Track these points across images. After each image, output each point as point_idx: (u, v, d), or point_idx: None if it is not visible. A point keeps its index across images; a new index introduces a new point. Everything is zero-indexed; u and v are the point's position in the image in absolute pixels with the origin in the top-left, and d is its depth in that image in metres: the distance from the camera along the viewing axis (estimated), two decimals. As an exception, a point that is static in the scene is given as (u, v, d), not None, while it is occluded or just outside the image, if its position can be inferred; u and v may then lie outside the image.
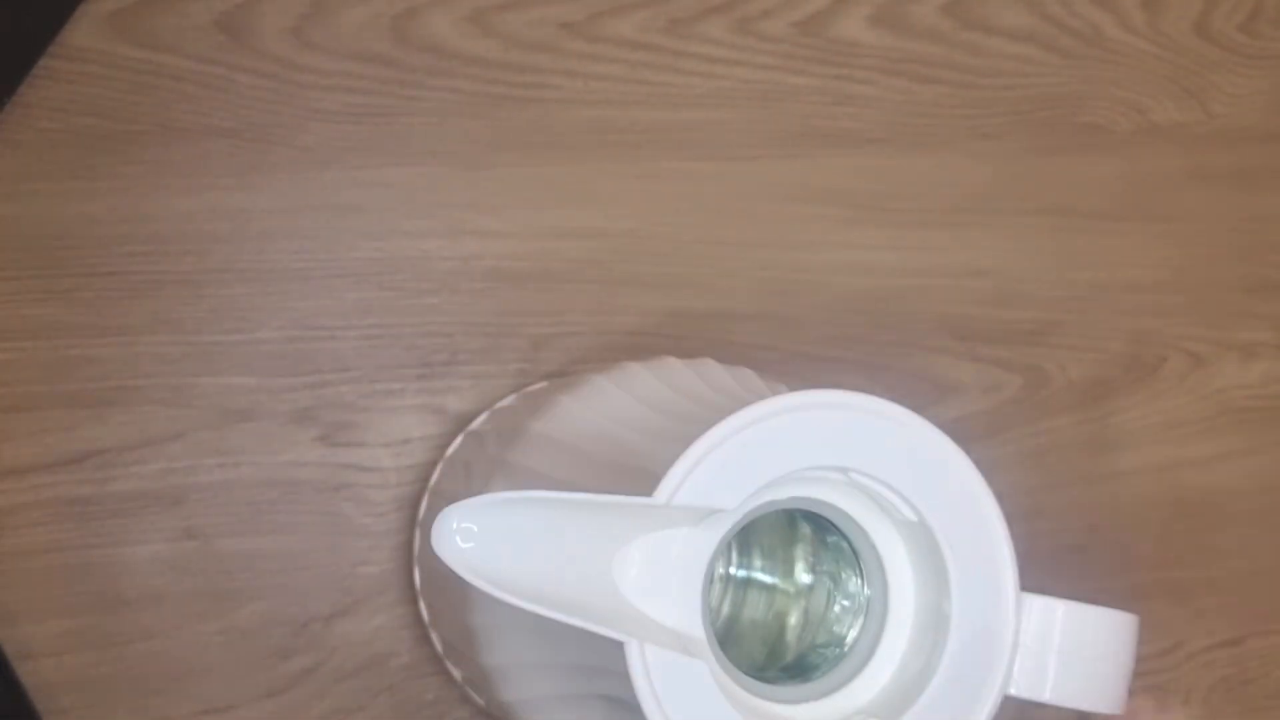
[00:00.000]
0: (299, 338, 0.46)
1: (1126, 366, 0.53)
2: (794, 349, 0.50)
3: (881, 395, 0.35)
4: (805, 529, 0.41)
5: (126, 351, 0.45)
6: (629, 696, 0.33)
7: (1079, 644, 0.36)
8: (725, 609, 0.43)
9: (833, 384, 0.35)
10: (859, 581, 0.38)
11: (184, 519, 0.45)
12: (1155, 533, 0.53)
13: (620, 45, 0.49)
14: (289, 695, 0.46)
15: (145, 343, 0.45)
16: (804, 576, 0.42)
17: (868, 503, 0.37)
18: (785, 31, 0.50)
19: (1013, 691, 0.36)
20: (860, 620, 0.38)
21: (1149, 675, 0.53)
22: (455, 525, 0.32)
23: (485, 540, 0.32)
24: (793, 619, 0.41)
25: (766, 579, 0.42)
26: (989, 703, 0.35)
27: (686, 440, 0.34)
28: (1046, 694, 0.36)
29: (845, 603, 0.39)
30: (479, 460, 0.44)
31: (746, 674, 0.37)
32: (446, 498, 0.44)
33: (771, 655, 0.41)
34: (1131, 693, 0.37)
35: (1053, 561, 0.50)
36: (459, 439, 0.46)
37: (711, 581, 0.39)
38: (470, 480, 0.44)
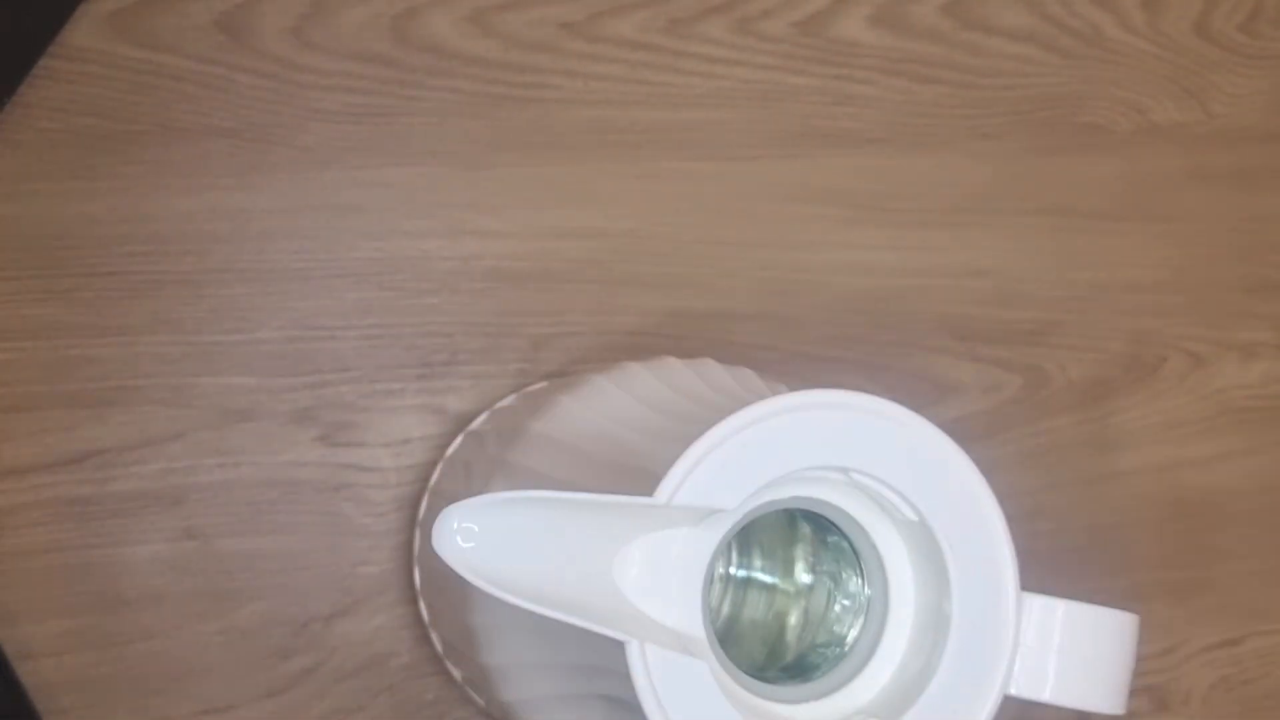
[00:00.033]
0: (299, 338, 0.46)
1: (1126, 366, 0.53)
2: (794, 349, 0.50)
3: (881, 395, 0.35)
4: (805, 529, 0.41)
5: (126, 351, 0.45)
6: (629, 696, 0.33)
7: (1079, 644, 0.36)
8: (725, 609, 0.43)
9: (833, 384, 0.35)
10: (859, 581, 0.38)
11: (184, 519, 0.45)
12: (1155, 533, 0.53)
13: (620, 45, 0.49)
14: (289, 695, 0.46)
15: (145, 343, 0.45)
16: (804, 576, 0.42)
17: (868, 503, 0.37)
18: (785, 31, 0.50)
19: (1013, 691, 0.36)
20: (860, 620, 0.38)
21: (1149, 675, 0.53)
22: (456, 525, 0.32)
23: (486, 540, 0.32)
24: (793, 619, 0.41)
25: (766, 579, 0.42)
26: (989, 703, 0.35)
27: (686, 440, 0.34)
28: (1046, 694, 0.36)
29: (845, 603, 0.39)
30: (479, 460, 0.44)
31: (746, 674, 0.37)
32: (446, 498, 0.44)
33: (771, 655, 0.41)
34: (1131, 692, 0.37)
35: (1053, 561, 0.50)
36: (459, 439, 0.46)
37: (711, 581, 0.39)
38: (470, 480, 0.44)
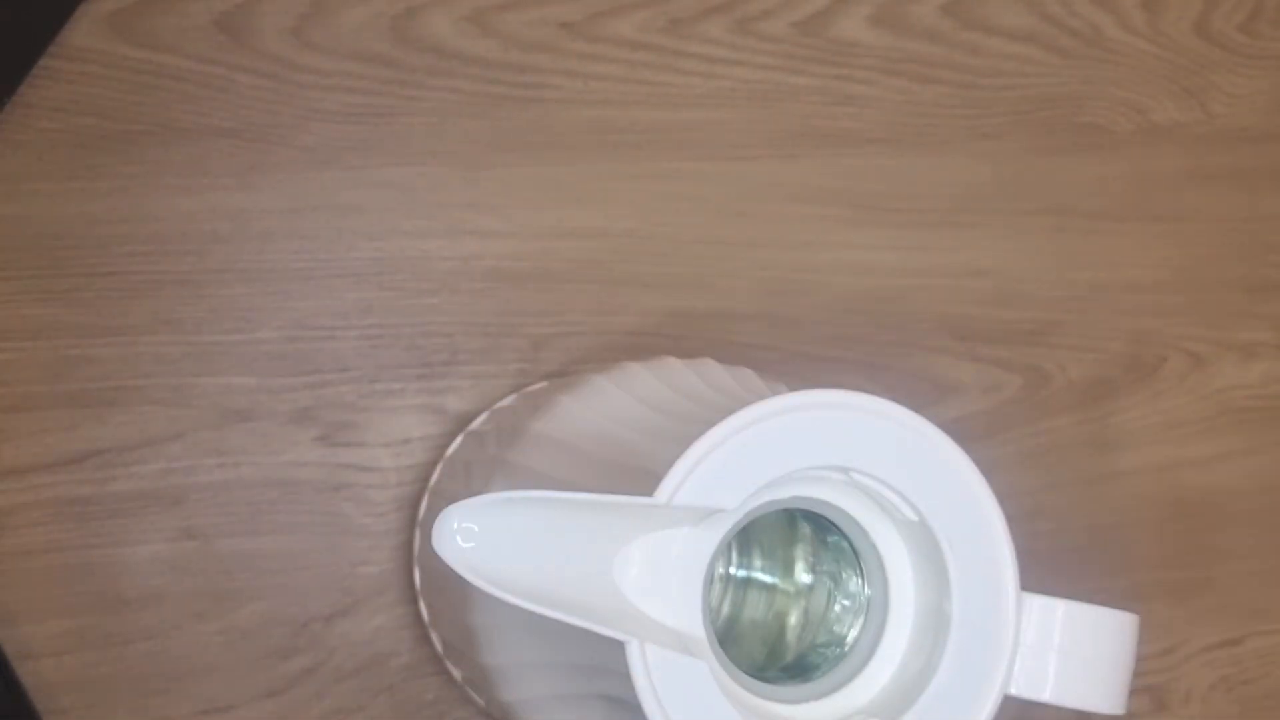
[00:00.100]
0: (299, 338, 0.46)
1: (1126, 366, 0.53)
2: (794, 349, 0.50)
3: (881, 395, 0.35)
4: (805, 529, 0.41)
5: (126, 351, 0.45)
6: (629, 696, 0.33)
7: (1079, 644, 0.36)
8: (725, 609, 0.43)
9: (833, 384, 0.35)
10: (859, 581, 0.38)
11: (184, 519, 0.45)
12: (1155, 533, 0.53)
13: (620, 45, 0.49)
14: (289, 695, 0.46)
15: (145, 343, 0.45)
16: (804, 576, 0.42)
17: (868, 502, 0.37)
18: (785, 31, 0.50)
19: (1013, 691, 0.36)
20: (860, 620, 0.38)
21: (1149, 675, 0.53)
22: (456, 525, 0.32)
23: (486, 540, 0.32)
24: (793, 619, 0.41)
25: (766, 579, 0.42)
26: (989, 703, 0.35)
27: (686, 440, 0.34)
28: (1046, 694, 0.36)
29: (845, 602, 0.39)
30: (479, 460, 0.44)
31: (746, 674, 0.37)
32: (446, 498, 0.44)
33: (771, 655, 0.41)
34: (1131, 692, 0.37)
35: (1053, 561, 0.50)
36: (459, 439, 0.46)
37: (711, 581, 0.39)
38: (470, 480, 0.44)
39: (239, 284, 0.46)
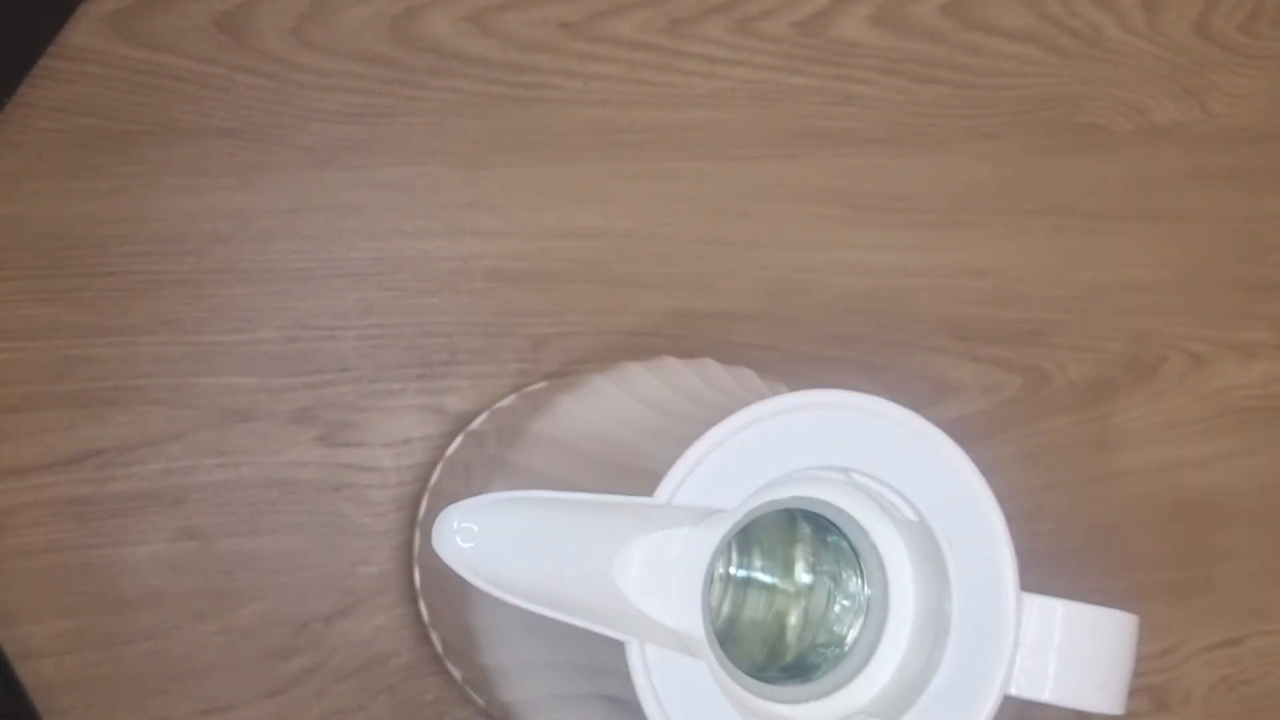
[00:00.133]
0: (299, 338, 0.46)
1: (1126, 366, 0.53)
2: (794, 349, 0.50)
3: (881, 395, 0.35)
4: (805, 529, 0.41)
5: (126, 351, 0.45)
6: (629, 696, 0.33)
7: (1079, 644, 0.36)
8: (725, 609, 0.43)
9: (833, 384, 0.35)
10: (859, 581, 0.38)
11: (184, 519, 0.45)
12: (1155, 533, 0.53)
13: (620, 45, 0.49)
14: (289, 695, 0.46)
15: (145, 343, 0.45)
16: (804, 576, 0.42)
17: (868, 503, 0.37)
18: (785, 31, 0.50)
19: (1013, 691, 0.36)
20: (860, 620, 0.38)
21: (1149, 675, 0.53)
22: (456, 525, 0.32)
23: (485, 540, 0.32)
24: (793, 619, 0.41)
25: (766, 579, 0.42)
26: (989, 703, 0.35)
27: (686, 440, 0.34)
28: (1046, 694, 0.36)
29: (845, 602, 0.39)
30: (479, 460, 0.44)
31: (746, 674, 0.37)
32: (446, 498, 0.44)
33: (771, 655, 0.41)
34: (1131, 692, 0.37)
35: (1053, 561, 0.50)
36: (459, 439, 0.46)
37: (711, 581, 0.39)
38: (470, 480, 0.44)
39: (239, 284, 0.46)
